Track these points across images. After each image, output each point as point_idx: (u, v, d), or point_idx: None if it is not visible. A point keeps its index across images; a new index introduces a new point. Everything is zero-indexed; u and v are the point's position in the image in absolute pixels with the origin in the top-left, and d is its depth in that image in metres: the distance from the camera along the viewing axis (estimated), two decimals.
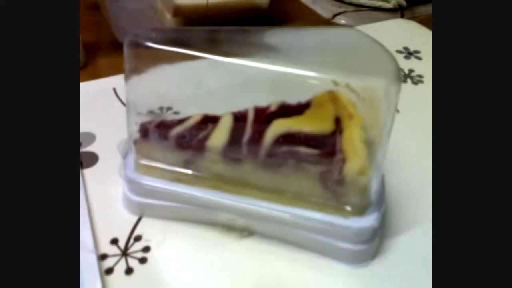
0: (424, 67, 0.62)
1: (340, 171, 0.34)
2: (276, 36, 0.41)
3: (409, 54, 0.65)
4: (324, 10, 0.80)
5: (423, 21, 0.75)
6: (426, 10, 0.82)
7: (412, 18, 0.78)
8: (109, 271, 0.36)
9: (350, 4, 0.82)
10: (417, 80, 0.60)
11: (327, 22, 0.77)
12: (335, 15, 0.79)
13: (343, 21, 0.77)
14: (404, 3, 0.80)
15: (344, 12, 0.80)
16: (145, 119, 0.40)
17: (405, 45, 0.67)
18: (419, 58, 0.65)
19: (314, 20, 0.78)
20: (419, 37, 0.70)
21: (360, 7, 0.81)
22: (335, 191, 0.35)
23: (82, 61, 0.61)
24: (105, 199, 0.41)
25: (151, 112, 0.42)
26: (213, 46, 0.39)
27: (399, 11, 0.80)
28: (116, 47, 0.65)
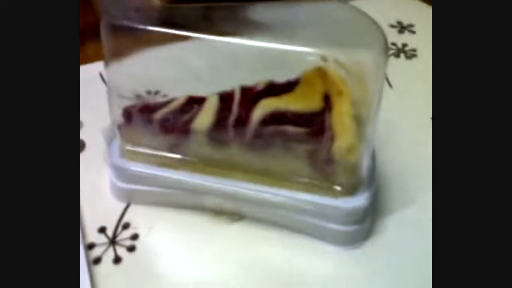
0: (418, 41, 0.61)
1: (329, 149, 0.33)
2: (264, 11, 0.39)
3: (402, 28, 0.63)
4: None
5: None
6: None
7: None
8: (97, 260, 0.35)
9: None
10: (411, 54, 0.58)
11: None
12: None
13: None
14: None
15: None
16: (131, 103, 0.39)
17: (399, 19, 0.65)
18: (413, 32, 0.63)
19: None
20: (413, 11, 0.68)
21: None
22: (324, 171, 0.34)
23: None
24: (93, 186, 0.40)
25: (138, 96, 0.41)
26: (197, 24, 0.38)
27: None
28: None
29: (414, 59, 0.57)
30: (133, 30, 0.35)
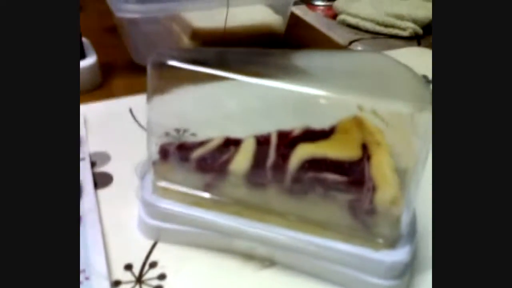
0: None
1: (371, 200, 0.33)
2: (301, 58, 0.40)
3: (427, 82, 0.64)
4: (340, 37, 0.80)
5: None
6: None
7: (429, 46, 0.77)
8: None
9: (367, 31, 0.82)
10: None
11: (344, 49, 0.77)
12: (351, 42, 0.78)
13: (359, 48, 0.77)
14: (421, 31, 0.80)
15: (360, 39, 0.79)
16: (162, 140, 0.38)
17: (423, 73, 0.66)
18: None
19: (330, 46, 0.78)
20: (427, 62, 0.69)
21: (377, 34, 0.81)
22: (365, 222, 0.33)
23: (98, 81, 0.61)
24: (120, 222, 0.39)
25: (167, 133, 0.41)
26: (235, 66, 0.38)
27: (415, 39, 0.80)
28: (132, 68, 0.65)
29: None
30: (176, 69, 0.36)
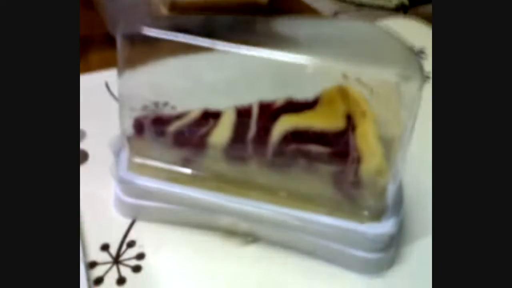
0: (430, 65, 0.60)
1: (356, 171, 0.31)
2: (286, 25, 0.38)
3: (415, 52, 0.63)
4: (325, 8, 0.78)
5: (427, 20, 0.72)
6: (429, 9, 0.79)
7: (416, 17, 0.75)
8: (99, 281, 0.32)
9: (352, 3, 0.79)
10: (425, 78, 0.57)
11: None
12: (336, 13, 0.76)
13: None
14: (407, 2, 0.78)
15: (346, 10, 0.77)
16: (139, 114, 0.36)
17: (409, 44, 0.64)
18: (424, 58, 0.62)
19: (315, 18, 0.75)
20: (423, 36, 0.67)
21: (362, 6, 0.79)
22: (350, 194, 0.32)
23: None
24: (96, 200, 0.38)
25: (145, 107, 0.39)
26: (213, 34, 0.36)
27: (401, 10, 0.78)
28: (109, 41, 0.62)
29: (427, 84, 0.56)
30: (150, 39, 0.34)
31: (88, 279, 0.32)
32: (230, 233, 0.35)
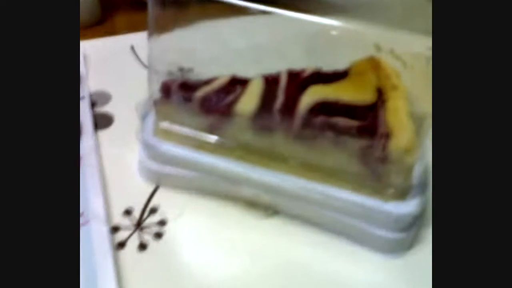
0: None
1: (384, 147, 0.31)
2: None
3: None
4: None
5: None
6: None
7: None
8: (121, 245, 0.32)
9: None
10: None
11: None
12: None
13: None
14: None
15: None
16: (166, 78, 0.36)
17: None
18: None
19: None
20: None
21: None
22: (376, 170, 0.31)
23: (98, 16, 0.58)
24: (120, 164, 0.38)
25: (170, 72, 0.39)
26: None
27: None
28: (135, 3, 0.61)
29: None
30: (180, 1, 0.33)
31: (111, 243, 0.32)
32: (251, 204, 0.35)
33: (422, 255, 0.33)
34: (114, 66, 0.49)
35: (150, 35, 0.33)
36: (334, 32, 0.32)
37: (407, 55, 0.35)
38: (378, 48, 0.35)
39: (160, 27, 0.34)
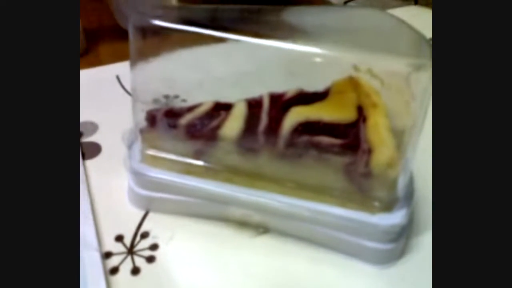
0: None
1: (366, 163, 0.32)
2: (294, 14, 0.38)
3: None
4: None
5: None
6: None
7: (426, 5, 0.75)
8: (114, 270, 0.33)
9: None
10: None
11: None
12: (346, 2, 0.76)
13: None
14: None
15: None
16: (151, 107, 0.37)
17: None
18: None
19: (325, 6, 0.75)
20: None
21: None
22: (361, 185, 0.32)
23: (83, 47, 0.59)
24: (109, 192, 0.38)
25: (156, 100, 0.39)
26: (223, 25, 0.36)
27: None
28: (118, 33, 0.62)
29: None
30: (161, 30, 0.34)
31: (104, 269, 0.32)
32: (242, 224, 0.36)
33: (413, 263, 0.34)
34: (100, 96, 0.50)
35: (132, 65, 0.34)
36: (312, 57, 0.33)
37: (384, 74, 0.36)
38: (356, 68, 0.37)
39: (142, 57, 0.35)
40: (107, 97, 0.50)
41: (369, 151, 0.32)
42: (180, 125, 0.35)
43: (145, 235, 0.35)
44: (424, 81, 0.30)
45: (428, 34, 0.67)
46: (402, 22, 0.35)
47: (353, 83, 0.37)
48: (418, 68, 0.31)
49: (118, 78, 0.52)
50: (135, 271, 0.33)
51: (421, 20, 0.68)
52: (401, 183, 0.32)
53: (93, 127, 0.45)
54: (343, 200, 0.33)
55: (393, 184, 0.32)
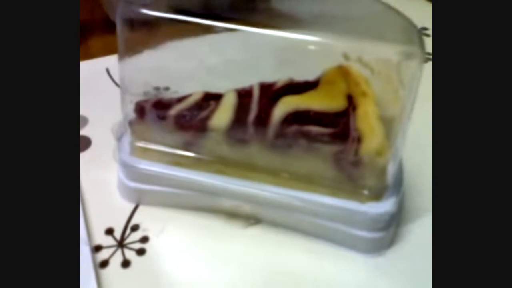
0: (433, 44, 0.59)
1: (356, 151, 0.31)
2: (285, 3, 0.37)
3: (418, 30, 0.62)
4: None
5: None
6: None
7: None
8: (104, 263, 0.33)
9: None
10: (426, 58, 0.56)
11: None
12: None
13: None
14: None
15: None
16: (140, 99, 0.37)
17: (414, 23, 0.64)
18: (427, 35, 0.62)
19: None
20: (426, 14, 0.67)
21: None
22: (350, 174, 0.32)
23: None
24: (99, 185, 0.38)
25: (146, 92, 0.39)
26: (213, 14, 0.36)
27: None
28: (108, 26, 0.62)
29: (429, 62, 0.56)
30: (149, 22, 0.33)
31: (94, 262, 0.32)
32: (233, 215, 0.35)
33: (403, 252, 0.34)
34: (90, 90, 0.49)
35: (120, 57, 0.34)
36: (303, 45, 0.33)
37: (374, 62, 0.36)
38: (346, 57, 0.37)
39: (131, 49, 0.35)
40: (97, 90, 0.49)
41: (359, 140, 0.32)
42: (169, 116, 0.35)
43: (135, 228, 0.35)
44: (413, 68, 0.30)
45: (420, 23, 0.66)
46: (392, 8, 0.34)
47: (343, 72, 0.37)
48: (408, 56, 0.31)
49: (108, 71, 0.52)
50: (125, 264, 0.33)
51: (413, 9, 0.68)
52: (390, 171, 0.32)
53: (83, 121, 0.45)
54: (333, 189, 0.33)
55: (382, 172, 0.32)
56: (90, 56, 0.56)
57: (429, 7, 0.68)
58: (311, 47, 0.32)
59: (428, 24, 0.63)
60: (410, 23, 0.33)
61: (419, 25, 0.63)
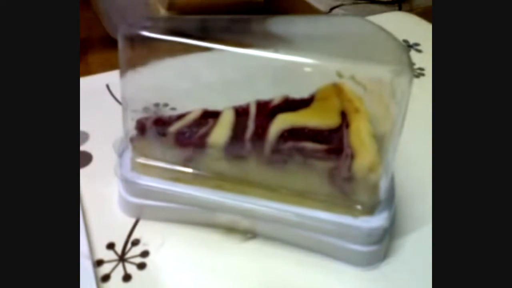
0: (425, 60, 0.61)
1: (349, 167, 0.33)
2: (280, 25, 0.39)
3: (409, 47, 0.63)
4: (321, 4, 0.79)
5: (421, 14, 0.73)
6: (424, 2, 0.80)
7: (410, 11, 0.76)
8: (106, 278, 0.33)
9: None
10: (418, 73, 0.58)
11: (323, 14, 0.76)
12: (332, 8, 0.77)
13: (340, 14, 0.76)
14: None
15: (341, 5, 0.78)
16: (141, 116, 0.38)
17: (404, 38, 0.65)
18: (419, 51, 0.63)
19: (311, 13, 0.77)
20: (418, 30, 0.68)
21: (357, 0, 0.80)
22: (344, 189, 0.33)
23: None
24: (100, 200, 0.39)
25: (146, 108, 0.40)
26: (213, 36, 0.37)
27: (396, 4, 0.79)
28: (108, 43, 0.63)
29: (422, 78, 0.57)
30: (149, 40, 0.35)
31: (96, 276, 0.33)
32: (230, 229, 0.36)
33: (396, 265, 0.35)
34: (91, 105, 0.50)
35: (122, 74, 0.35)
36: (297, 65, 0.34)
37: (366, 81, 0.37)
38: (340, 75, 0.38)
39: (132, 66, 0.36)
40: (97, 106, 0.50)
41: (352, 156, 0.33)
42: (169, 133, 0.36)
43: (136, 242, 0.36)
44: (403, 86, 0.32)
45: (412, 39, 0.68)
46: (382, 29, 0.36)
47: (336, 90, 0.38)
48: (397, 74, 0.32)
49: (108, 87, 0.53)
50: (127, 278, 0.34)
51: (405, 25, 0.70)
52: (383, 186, 0.33)
53: (84, 136, 0.46)
54: (328, 204, 0.34)
55: (374, 187, 0.33)
56: (89, 72, 0.57)
57: (421, 24, 0.70)
58: (306, 69, 0.33)
59: (421, 40, 0.65)
60: (398, 42, 0.34)
61: (412, 41, 0.65)
